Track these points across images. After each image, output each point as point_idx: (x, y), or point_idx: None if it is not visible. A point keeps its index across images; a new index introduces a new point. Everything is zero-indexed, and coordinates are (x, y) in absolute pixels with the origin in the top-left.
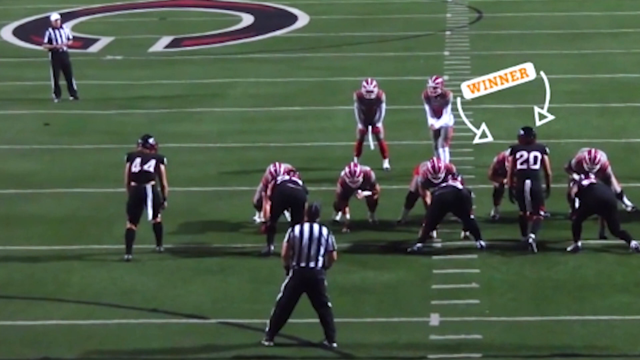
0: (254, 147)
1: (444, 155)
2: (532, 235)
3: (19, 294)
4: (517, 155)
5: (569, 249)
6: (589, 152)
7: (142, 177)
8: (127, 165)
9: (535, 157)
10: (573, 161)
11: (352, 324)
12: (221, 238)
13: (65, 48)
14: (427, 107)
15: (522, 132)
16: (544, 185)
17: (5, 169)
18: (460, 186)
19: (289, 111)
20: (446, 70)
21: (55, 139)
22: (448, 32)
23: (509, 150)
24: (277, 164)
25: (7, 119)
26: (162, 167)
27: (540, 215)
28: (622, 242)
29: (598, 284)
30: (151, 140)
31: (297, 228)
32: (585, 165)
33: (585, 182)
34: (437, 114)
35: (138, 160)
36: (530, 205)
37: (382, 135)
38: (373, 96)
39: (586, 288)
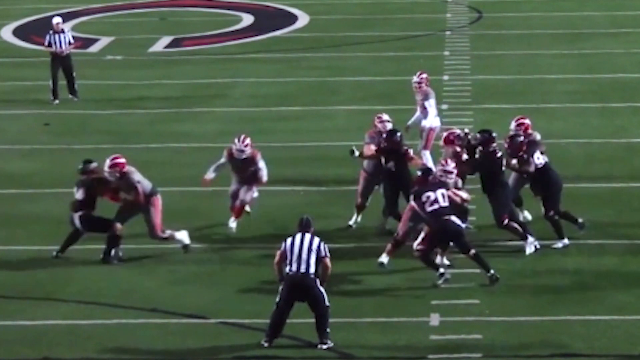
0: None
1: (425, 159)
2: (492, 271)
3: (19, 294)
4: (424, 198)
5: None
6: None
7: None
8: None
9: (443, 195)
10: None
11: (352, 324)
12: (221, 238)
13: (66, 52)
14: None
15: (419, 173)
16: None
17: (5, 169)
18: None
19: (289, 111)
20: (446, 70)
21: (56, 139)
22: (448, 32)
23: (412, 196)
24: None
25: (7, 119)
26: None
27: (471, 252)
28: (623, 242)
29: (598, 284)
30: None
31: (289, 238)
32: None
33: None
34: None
35: None
36: (455, 246)
37: None
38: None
39: (586, 288)
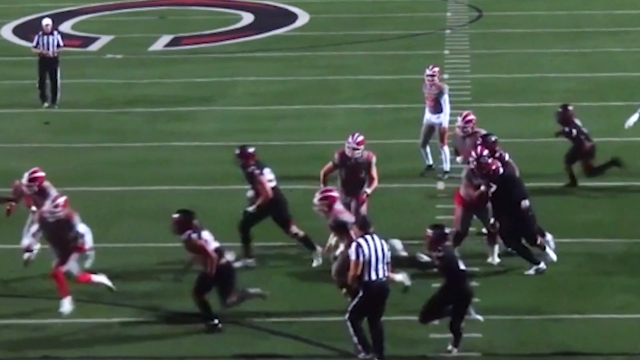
0: (254, 146)
1: (444, 156)
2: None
3: (19, 294)
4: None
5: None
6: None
7: None
8: None
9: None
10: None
11: None
12: (221, 238)
13: (53, 54)
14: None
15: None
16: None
17: (5, 169)
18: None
19: (289, 110)
20: (446, 69)
21: (55, 138)
22: (448, 31)
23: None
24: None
25: (7, 118)
26: None
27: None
28: (623, 242)
29: (598, 284)
30: None
31: (364, 244)
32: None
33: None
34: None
35: None
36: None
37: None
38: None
39: (586, 288)
